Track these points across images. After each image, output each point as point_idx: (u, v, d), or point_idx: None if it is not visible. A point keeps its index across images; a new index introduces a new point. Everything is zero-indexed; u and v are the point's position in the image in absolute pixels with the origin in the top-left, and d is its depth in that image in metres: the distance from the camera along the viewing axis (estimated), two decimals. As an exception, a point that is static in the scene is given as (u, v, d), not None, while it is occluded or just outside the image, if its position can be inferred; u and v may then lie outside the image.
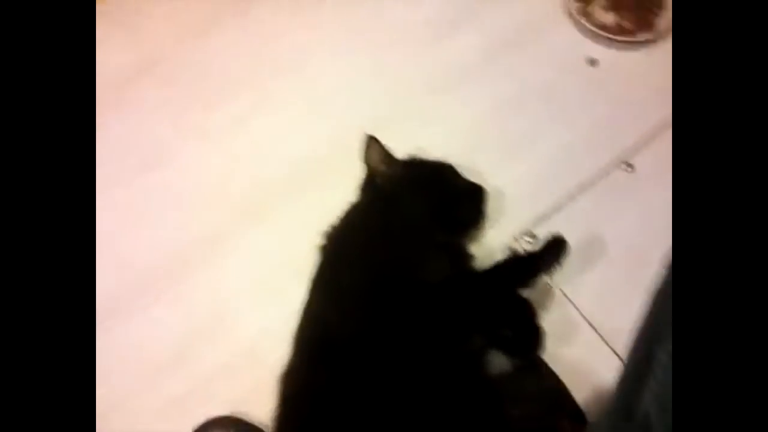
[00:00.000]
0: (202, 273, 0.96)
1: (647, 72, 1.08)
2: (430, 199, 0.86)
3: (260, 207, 1.00)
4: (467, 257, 0.87)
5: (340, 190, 0.91)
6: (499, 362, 0.84)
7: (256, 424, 0.84)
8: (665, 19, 1.09)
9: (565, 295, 0.91)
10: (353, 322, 0.74)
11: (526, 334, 0.80)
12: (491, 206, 0.98)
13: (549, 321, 0.89)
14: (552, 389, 0.84)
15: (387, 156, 0.91)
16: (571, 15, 1.11)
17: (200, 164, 1.05)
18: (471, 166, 1.00)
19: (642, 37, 1.09)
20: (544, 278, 0.92)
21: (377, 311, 0.74)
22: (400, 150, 0.95)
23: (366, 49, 1.13)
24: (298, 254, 0.84)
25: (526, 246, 0.95)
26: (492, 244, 0.96)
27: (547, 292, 0.92)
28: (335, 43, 1.14)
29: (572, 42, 1.11)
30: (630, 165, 1.00)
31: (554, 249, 0.83)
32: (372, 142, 0.91)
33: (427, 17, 1.15)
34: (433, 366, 0.72)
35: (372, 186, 0.91)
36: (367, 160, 0.92)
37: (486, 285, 0.80)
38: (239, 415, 0.86)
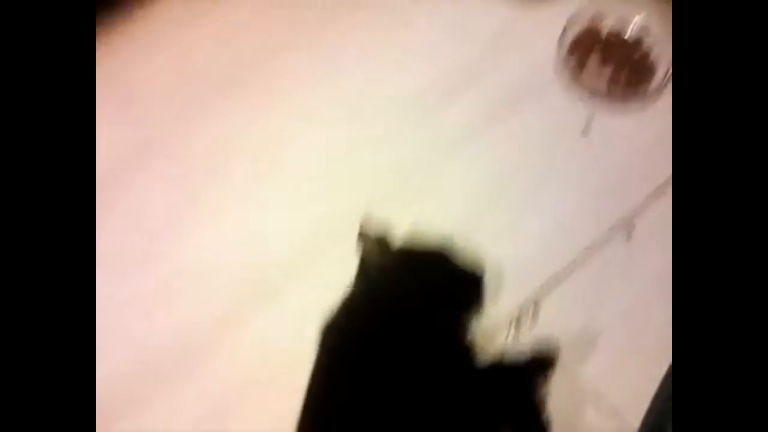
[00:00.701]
0: (204, 368, 0.97)
1: (641, 135, 1.09)
2: (426, 289, 0.86)
3: (266, 287, 1.01)
4: (467, 342, 0.87)
5: (346, 267, 0.92)
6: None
7: None
8: (656, 83, 1.10)
9: (569, 367, 0.92)
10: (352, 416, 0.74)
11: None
12: (493, 279, 0.99)
13: (554, 395, 0.90)
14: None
15: (380, 245, 0.91)
16: (564, 81, 1.13)
17: (205, 244, 1.05)
18: (472, 237, 1.01)
19: (634, 101, 1.10)
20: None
21: (376, 406, 0.74)
22: (401, 223, 0.96)
23: (363, 122, 1.15)
24: (307, 338, 0.85)
25: (529, 318, 0.95)
26: (496, 316, 0.96)
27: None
28: (333, 116, 1.15)
29: (567, 107, 1.12)
30: (629, 231, 1.01)
31: (542, 363, 0.84)
32: (364, 232, 0.92)
33: (421, 88, 1.17)
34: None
35: (366, 276, 0.91)
36: (361, 251, 0.92)
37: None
38: None
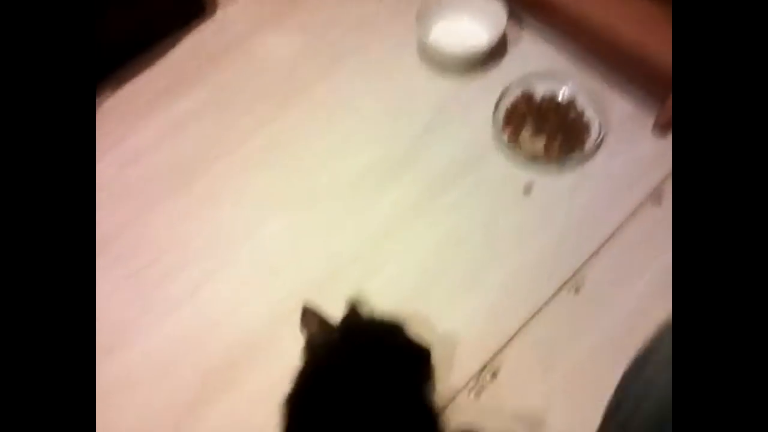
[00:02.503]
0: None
1: (581, 192, 1.13)
2: (369, 366, 0.86)
3: (222, 377, 1.02)
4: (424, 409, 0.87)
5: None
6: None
7: None
8: (591, 140, 1.16)
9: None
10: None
11: None
12: (449, 345, 1.01)
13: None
14: None
15: (322, 323, 0.93)
16: (503, 145, 1.17)
17: (159, 341, 1.06)
18: (421, 309, 1.03)
19: (571, 158, 1.15)
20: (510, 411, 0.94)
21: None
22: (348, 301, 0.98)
23: (311, 206, 1.17)
24: (266, 423, 0.85)
25: (487, 384, 0.97)
26: (452, 385, 0.97)
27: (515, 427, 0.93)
28: (281, 201, 1.18)
29: (508, 172, 1.16)
30: (577, 287, 1.04)
31: None
32: (306, 311, 0.93)
33: (364, 168, 1.20)
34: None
35: (313, 354, 0.92)
36: (304, 329, 0.94)
37: None
38: None
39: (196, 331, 1.06)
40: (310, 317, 0.93)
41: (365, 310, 0.94)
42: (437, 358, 0.99)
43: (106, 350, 1.05)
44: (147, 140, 1.27)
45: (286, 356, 0.86)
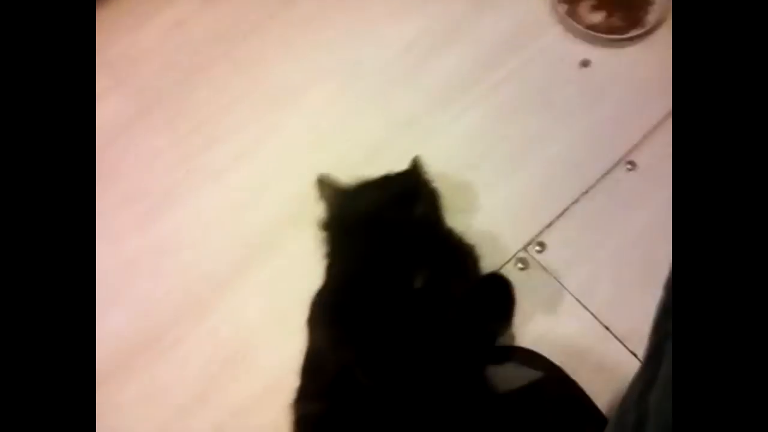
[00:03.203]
0: (218, 312, 0.97)
1: (640, 68, 1.07)
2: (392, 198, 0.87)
3: (268, 241, 1.01)
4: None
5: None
6: (516, 376, 0.84)
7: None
8: (654, 14, 1.09)
9: (578, 300, 0.91)
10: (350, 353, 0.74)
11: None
12: (497, 217, 0.98)
13: (564, 328, 0.90)
14: (574, 399, 0.83)
15: (335, 189, 0.93)
16: (559, 18, 1.11)
17: (204, 203, 1.06)
18: (471, 180, 1.01)
19: (632, 33, 1.08)
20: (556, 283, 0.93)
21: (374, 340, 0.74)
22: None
23: (361, 72, 1.13)
24: (309, 284, 0.85)
25: (535, 255, 0.95)
26: (501, 256, 0.96)
27: (560, 298, 0.92)
28: (331, 69, 1.14)
29: (563, 45, 1.11)
30: (632, 163, 1.00)
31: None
32: (320, 180, 0.94)
33: (417, 34, 1.15)
34: (443, 389, 0.73)
35: (330, 222, 0.92)
36: (322, 198, 0.94)
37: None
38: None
39: (239, 198, 1.05)
40: (322, 186, 0.92)
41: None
42: (485, 230, 0.98)
43: (156, 212, 1.06)
44: (191, 4, 1.23)
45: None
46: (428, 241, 0.85)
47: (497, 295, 0.82)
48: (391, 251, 0.81)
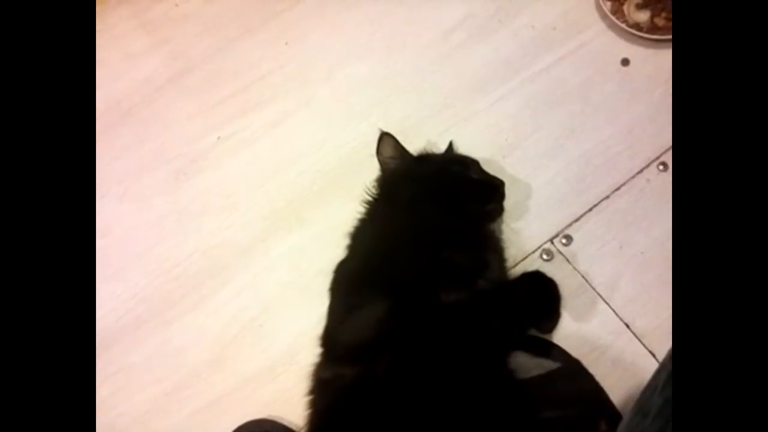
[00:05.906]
0: (239, 279, 0.98)
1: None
2: (439, 192, 0.85)
3: (294, 212, 1.01)
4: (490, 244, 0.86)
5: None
6: (534, 365, 0.84)
7: (293, 427, 0.85)
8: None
9: (600, 296, 0.91)
10: (379, 322, 0.74)
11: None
12: (525, 207, 0.98)
13: (585, 321, 0.89)
14: (590, 392, 0.83)
15: (399, 150, 0.92)
16: (604, 14, 1.10)
17: (232, 170, 1.06)
18: (505, 166, 1.01)
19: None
20: (580, 277, 0.92)
21: (402, 317, 0.73)
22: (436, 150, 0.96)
23: (399, 52, 1.13)
24: (332, 257, 0.85)
25: (561, 248, 0.94)
26: (527, 246, 0.95)
27: (582, 291, 0.91)
28: (369, 46, 1.14)
29: (605, 41, 1.10)
30: (664, 164, 0.99)
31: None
32: (385, 137, 0.92)
33: (460, 19, 1.15)
34: (463, 374, 0.72)
35: (384, 181, 0.91)
36: (380, 155, 0.93)
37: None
38: (276, 419, 0.87)
39: (267, 169, 1.06)
40: (386, 143, 0.92)
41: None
42: (513, 219, 0.98)
43: (183, 176, 1.07)
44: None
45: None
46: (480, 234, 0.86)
47: (544, 295, 0.82)
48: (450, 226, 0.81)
